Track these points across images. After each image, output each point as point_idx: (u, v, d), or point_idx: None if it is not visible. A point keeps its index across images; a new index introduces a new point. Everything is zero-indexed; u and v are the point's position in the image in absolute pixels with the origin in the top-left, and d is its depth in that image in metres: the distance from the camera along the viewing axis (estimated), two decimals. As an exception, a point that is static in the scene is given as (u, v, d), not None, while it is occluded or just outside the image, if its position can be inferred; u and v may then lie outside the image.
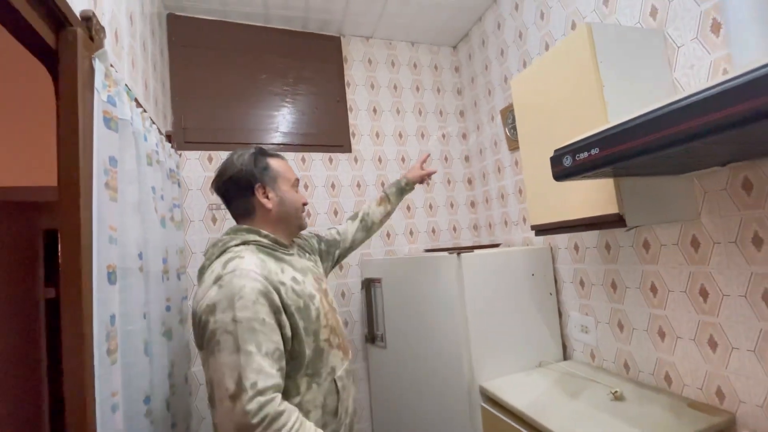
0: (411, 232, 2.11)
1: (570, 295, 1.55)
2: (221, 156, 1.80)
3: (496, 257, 1.52)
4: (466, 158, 2.29)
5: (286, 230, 1.03)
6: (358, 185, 2.05)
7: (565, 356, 1.58)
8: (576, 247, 1.50)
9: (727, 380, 1.02)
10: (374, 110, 2.15)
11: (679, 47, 1.09)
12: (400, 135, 2.18)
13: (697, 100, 0.59)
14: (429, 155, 1.64)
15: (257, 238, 0.94)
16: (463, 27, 2.16)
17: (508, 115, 1.86)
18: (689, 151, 0.70)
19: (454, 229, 2.20)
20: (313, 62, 2.05)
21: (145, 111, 1.18)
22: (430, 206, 2.17)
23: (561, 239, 1.58)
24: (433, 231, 2.16)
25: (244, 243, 0.92)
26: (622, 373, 1.34)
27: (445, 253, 1.49)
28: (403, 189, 1.45)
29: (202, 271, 0.91)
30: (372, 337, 1.87)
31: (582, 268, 1.48)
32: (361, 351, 1.97)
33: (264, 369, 0.74)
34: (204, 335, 0.78)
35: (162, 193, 1.27)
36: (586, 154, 0.79)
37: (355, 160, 2.07)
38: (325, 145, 2.03)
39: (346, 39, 2.14)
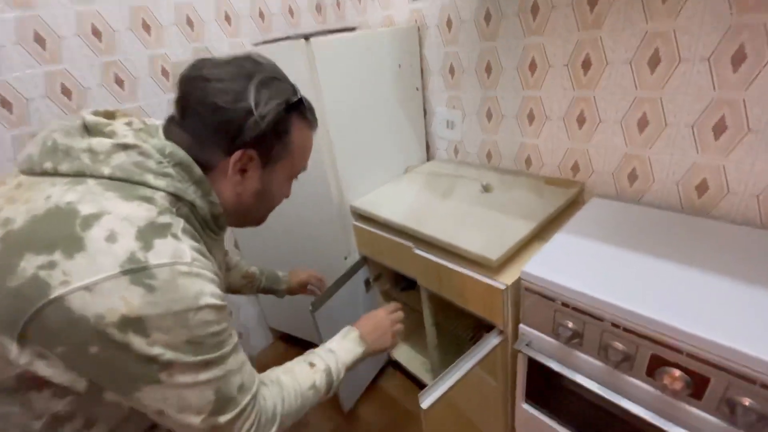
0: (227, 18, 1.44)
1: (437, 87, 1.34)
2: None
3: (355, 44, 1.11)
4: None
5: (235, 220, 0.62)
6: None
7: (429, 157, 1.49)
8: (449, 23, 1.20)
9: (586, 154, 1.04)
10: None
11: None
12: None
13: None
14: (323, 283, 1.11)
15: (202, 204, 0.53)
16: None
17: None
18: None
19: (291, 12, 1.59)
20: None
21: None
22: (250, -26, 1.45)
23: (431, 14, 1.24)
24: (261, 15, 1.52)
25: (177, 200, 0.50)
26: (485, 164, 1.32)
27: (288, 42, 1.01)
28: (273, 290, 1.02)
29: (61, 210, 0.43)
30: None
31: (453, 52, 1.23)
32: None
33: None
34: (109, 359, 0.42)
35: None
36: None
37: None
38: None
39: None
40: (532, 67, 1.05)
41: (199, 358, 0.45)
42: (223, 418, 0.48)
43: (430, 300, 1.11)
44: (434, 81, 1.33)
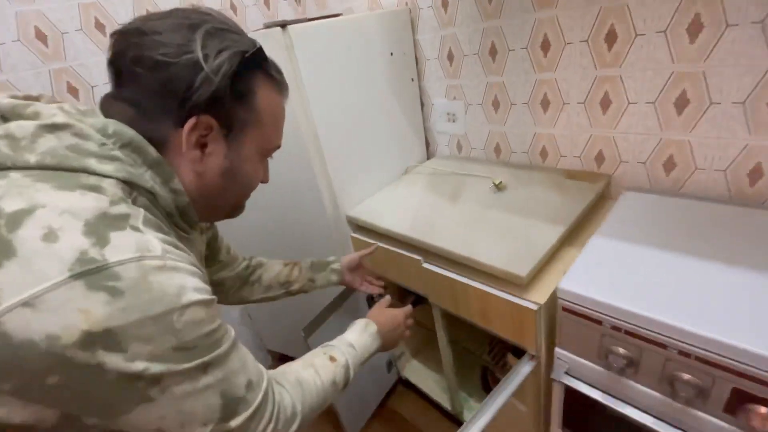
0: (195, 13, 1.28)
1: (435, 76, 1.20)
2: None
3: (339, 30, 0.97)
4: None
5: (204, 210, 0.50)
6: None
7: (429, 154, 1.36)
8: (444, 3, 1.06)
9: (612, 142, 0.91)
10: None
11: None
12: None
13: None
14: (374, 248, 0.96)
15: (163, 193, 0.43)
16: None
17: None
18: None
19: (267, 3, 1.44)
20: None
21: None
22: (218, -38, 1.30)
23: (423, -6, 1.10)
24: (233, 8, 1.37)
25: (131, 189, 0.40)
26: (493, 159, 1.19)
27: (262, 32, 0.87)
28: (324, 265, 0.90)
29: None
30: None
31: (452, 34, 1.09)
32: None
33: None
34: (78, 386, 0.32)
35: None
36: None
37: None
38: None
39: None
40: (545, 45, 0.92)
41: (196, 362, 0.37)
42: (235, 422, 0.41)
43: (444, 318, 0.98)
44: (431, 70, 1.19)
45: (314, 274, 0.88)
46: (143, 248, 0.34)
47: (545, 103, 0.98)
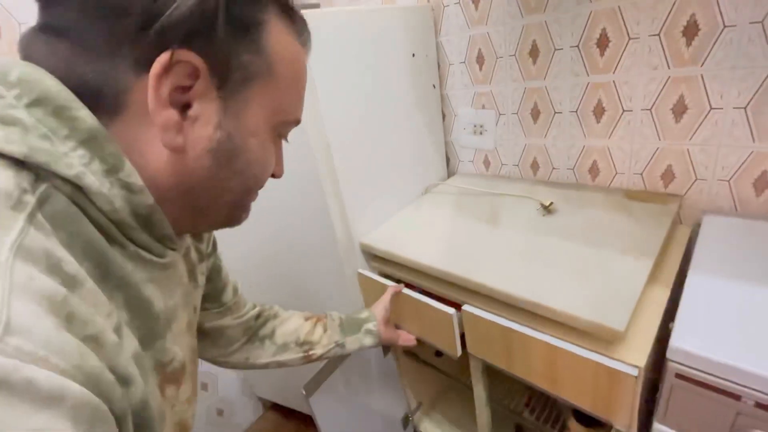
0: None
1: (460, 82, 1.05)
2: None
3: (355, 24, 0.82)
4: None
5: (182, 213, 0.30)
6: None
7: (449, 172, 1.20)
8: (476, -2, 0.92)
9: (685, 155, 0.76)
10: None
11: None
12: None
13: None
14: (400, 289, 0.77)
15: (101, 188, 0.25)
16: None
17: None
18: None
19: (265, 4, 1.30)
20: None
21: None
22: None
23: (449, -11, 0.96)
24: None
25: (36, 177, 0.23)
26: (530, 177, 1.03)
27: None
28: (360, 322, 0.70)
29: None
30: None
31: (482, 34, 0.95)
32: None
33: None
34: None
35: None
36: None
37: None
38: None
39: None
40: (603, 42, 0.78)
41: None
42: None
43: (484, 374, 0.79)
44: (455, 75, 1.05)
45: (344, 336, 0.67)
46: None
47: (599, 111, 0.84)
